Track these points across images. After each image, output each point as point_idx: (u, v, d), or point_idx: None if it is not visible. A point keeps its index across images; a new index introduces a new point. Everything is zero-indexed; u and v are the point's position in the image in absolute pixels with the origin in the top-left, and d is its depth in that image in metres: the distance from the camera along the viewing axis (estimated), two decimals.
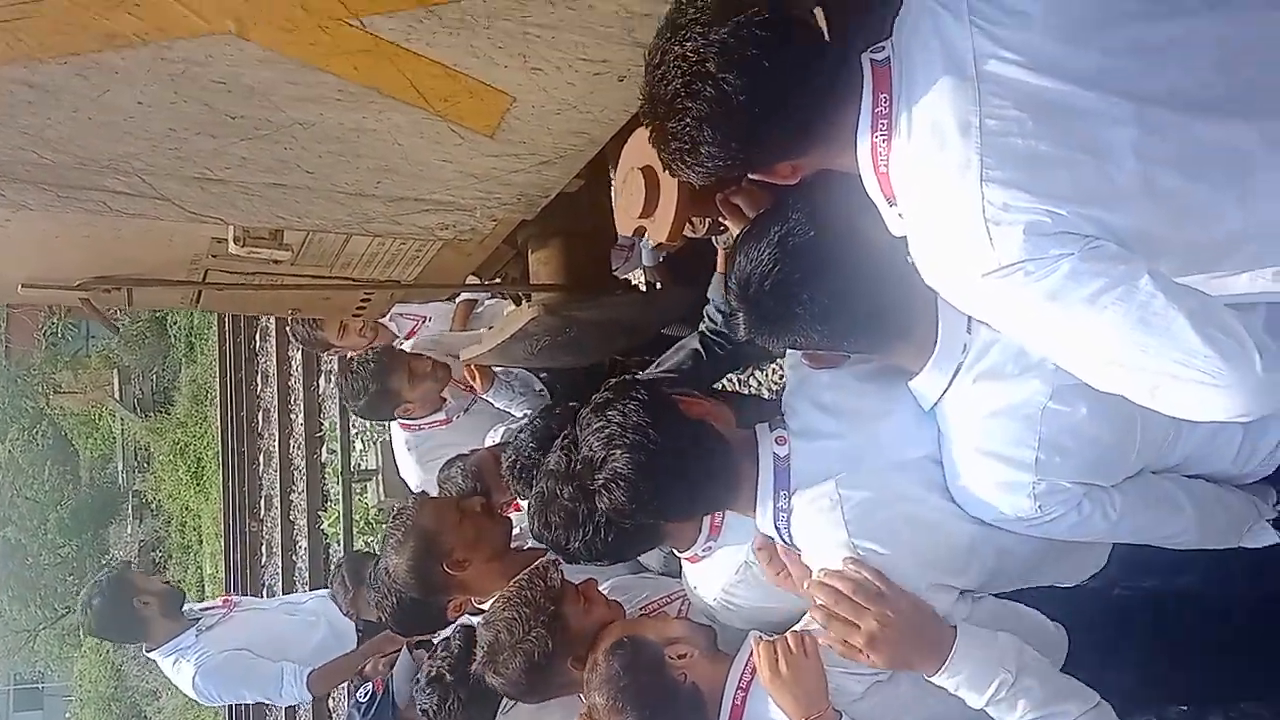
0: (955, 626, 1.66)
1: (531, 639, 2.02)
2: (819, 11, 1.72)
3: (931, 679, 1.67)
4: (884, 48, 1.43)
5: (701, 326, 2.37)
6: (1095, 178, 1.30)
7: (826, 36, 1.74)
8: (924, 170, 1.37)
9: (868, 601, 1.61)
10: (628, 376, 1.96)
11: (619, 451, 1.68)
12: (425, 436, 3.76)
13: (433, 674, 2.38)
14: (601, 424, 1.72)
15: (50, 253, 2.37)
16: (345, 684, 4.78)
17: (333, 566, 4.68)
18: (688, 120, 1.40)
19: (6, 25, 1.57)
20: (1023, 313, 1.35)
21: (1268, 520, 1.74)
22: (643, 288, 3.65)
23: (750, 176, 1.55)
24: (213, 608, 4.56)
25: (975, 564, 1.68)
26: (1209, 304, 1.32)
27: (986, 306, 1.40)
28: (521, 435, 2.53)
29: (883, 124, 1.39)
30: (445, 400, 3.74)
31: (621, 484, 1.68)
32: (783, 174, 1.50)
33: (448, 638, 2.45)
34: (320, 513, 8.49)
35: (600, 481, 1.71)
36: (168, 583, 4.73)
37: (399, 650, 3.28)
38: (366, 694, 2.99)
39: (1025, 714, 1.64)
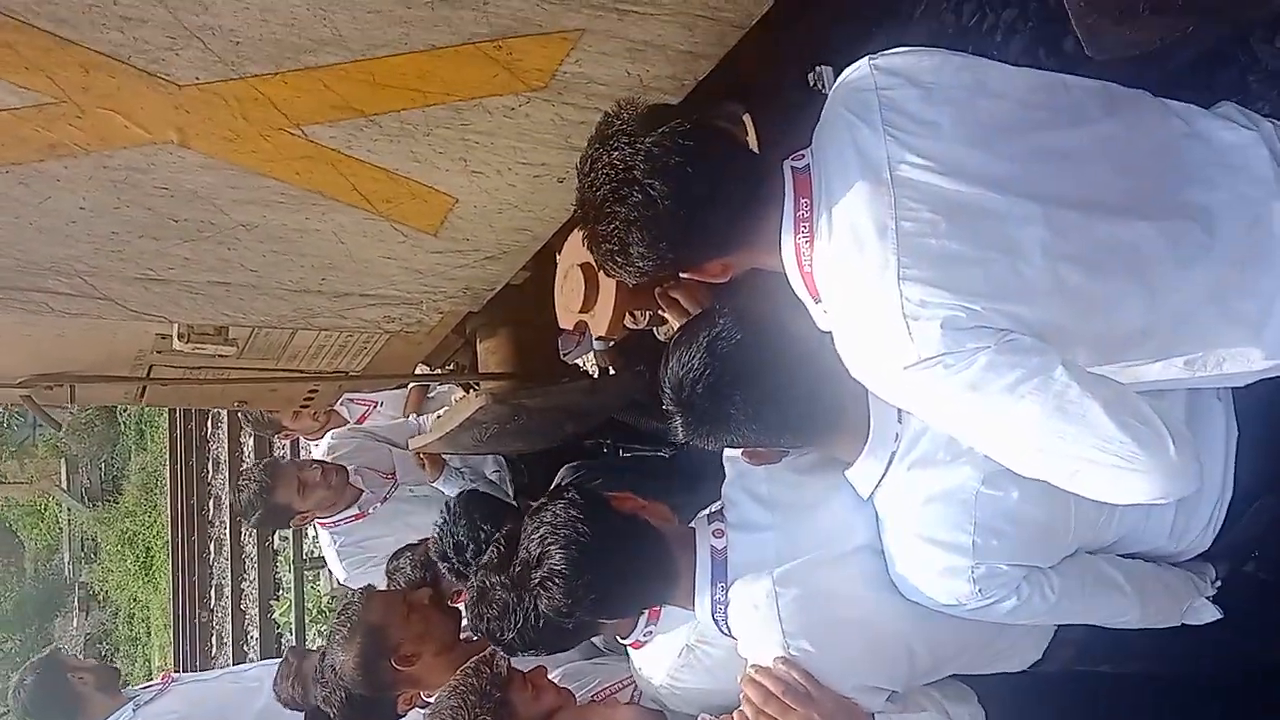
0: (874, 715, 1.68)
1: None
2: (748, 118, 1.79)
3: None
4: (804, 155, 1.50)
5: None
6: (1007, 274, 1.36)
7: (755, 141, 1.82)
8: (845, 270, 1.42)
9: (795, 703, 1.64)
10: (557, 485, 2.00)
11: (554, 549, 1.71)
12: (343, 532, 3.67)
13: None
14: (536, 525, 1.75)
15: None
16: None
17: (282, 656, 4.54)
18: (616, 224, 1.46)
19: None
20: (944, 403, 1.40)
21: (1206, 597, 1.78)
22: (593, 373, 3.69)
23: (682, 276, 1.60)
24: (151, 685, 4.39)
25: (905, 662, 1.70)
26: (1123, 392, 1.37)
27: (910, 398, 1.44)
28: (444, 526, 2.54)
29: (804, 227, 1.45)
30: (360, 493, 3.65)
31: (558, 580, 1.70)
32: (713, 272, 1.55)
33: None
34: (272, 602, 8.31)
35: (537, 580, 1.73)
36: (102, 659, 4.58)
37: None
38: None
39: None
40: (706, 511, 1.85)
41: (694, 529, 1.82)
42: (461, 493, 2.61)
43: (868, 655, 1.68)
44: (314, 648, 5.54)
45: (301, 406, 3.38)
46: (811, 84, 2.18)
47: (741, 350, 1.55)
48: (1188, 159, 1.48)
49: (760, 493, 1.76)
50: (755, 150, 1.80)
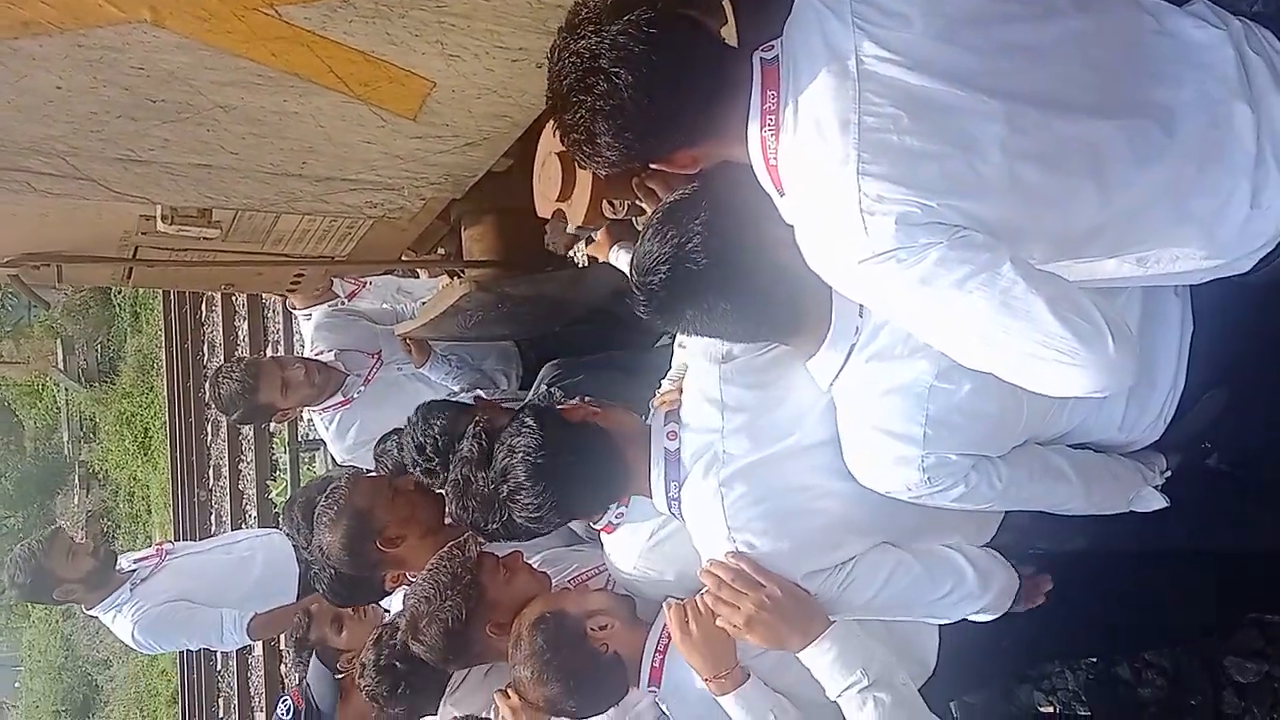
0: (834, 620, 1.77)
1: (447, 607, 2.09)
2: (728, 2, 1.77)
3: (800, 655, 1.78)
4: (773, 47, 1.49)
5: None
6: (963, 171, 1.38)
7: (734, 25, 1.80)
8: (807, 163, 1.44)
9: (746, 588, 1.75)
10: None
11: (514, 466, 1.85)
12: (330, 417, 3.68)
13: (381, 662, 2.44)
14: (500, 445, 1.90)
15: None
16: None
17: (283, 509, 4.59)
18: (581, 113, 1.47)
19: None
20: (896, 297, 1.43)
21: (1155, 486, 1.85)
22: (581, 262, 3.70)
23: (652, 166, 1.61)
24: (146, 558, 4.47)
25: (852, 547, 1.78)
26: (1067, 289, 1.41)
27: (864, 291, 1.48)
28: (407, 433, 2.60)
29: (770, 119, 1.46)
30: (344, 378, 3.65)
31: (521, 493, 1.85)
32: (682, 163, 1.56)
33: (393, 625, 2.48)
34: (269, 482, 8.46)
35: (505, 493, 1.87)
36: (103, 535, 4.69)
37: None
38: (288, 709, 2.96)
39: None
40: (665, 410, 1.91)
41: (651, 426, 1.88)
42: (419, 405, 2.64)
43: (814, 541, 1.76)
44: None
45: (289, 290, 3.40)
46: None
47: (703, 271, 1.57)
48: (1155, 56, 1.48)
49: (713, 394, 1.81)
50: (734, 35, 1.78)
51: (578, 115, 1.47)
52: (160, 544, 4.81)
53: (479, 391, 3.37)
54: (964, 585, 1.84)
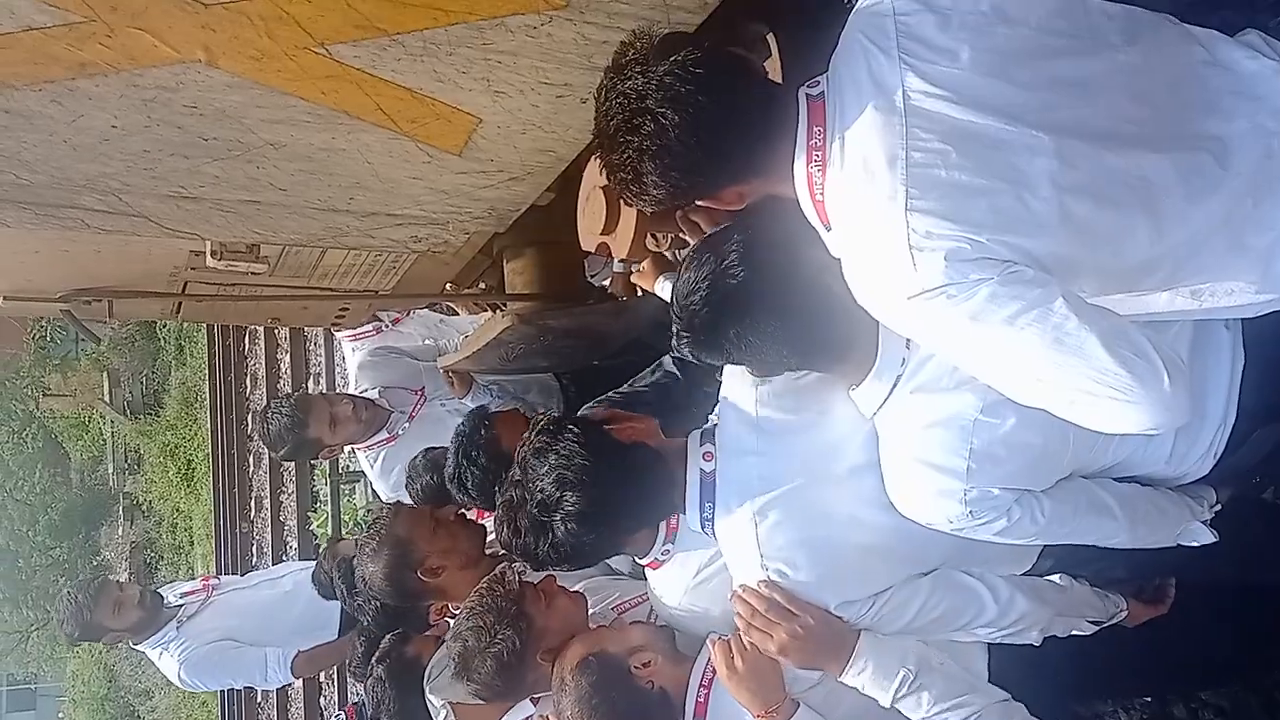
0: (859, 632, 1.76)
1: (499, 640, 2.07)
2: (771, 38, 1.78)
3: (841, 679, 1.77)
4: (819, 82, 1.49)
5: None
6: (1013, 206, 1.36)
7: (779, 61, 1.81)
8: (854, 199, 1.43)
9: (779, 618, 1.73)
10: (554, 416, 2.04)
11: (569, 492, 1.80)
12: (376, 454, 3.71)
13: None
14: (546, 468, 1.83)
15: (30, 267, 2.42)
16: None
17: (317, 557, 4.62)
18: (629, 153, 1.47)
19: None
20: (946, 332, 1.42)
21: (1203, 520, 1.81)
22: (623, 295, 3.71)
23: (699, 203, 1.61)
24: (192, 592, 4.50)
25: (888, 576, 1.76)
26: (1120, 325, 1.39)
27: (913, 326, 1.46)
28: (455, 445, 2.56)
29: (817, 155, 1.46)
30: (389, 415, 3.67)
31: (575, 520, 1.80)
32: (729, 200, 1.56)
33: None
34: (310, 513, 8.52)
35: (558, 519, 1.82)
36: (146, 566, 4.72)
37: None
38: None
39: (931, 708, 1.75)
40: (700, 429, 1.90)
41: (686, 442, 1.87)
42: (463, 422, 2.63)
43: (848, 572, 1.75)
44: (344, 536, 5.64)
45: (334, 324, 3.43)
46: (846, 1, 2.15)
47: (742, 290, 1.57)
48: (1207, 88, 1.46)
49: (750, 416, 1.80)
50: (778, 70, 1.79)
51: (624, 155, 1.47)
52: (206, 578, 4.85)
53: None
54: (983, 615, 1.82)
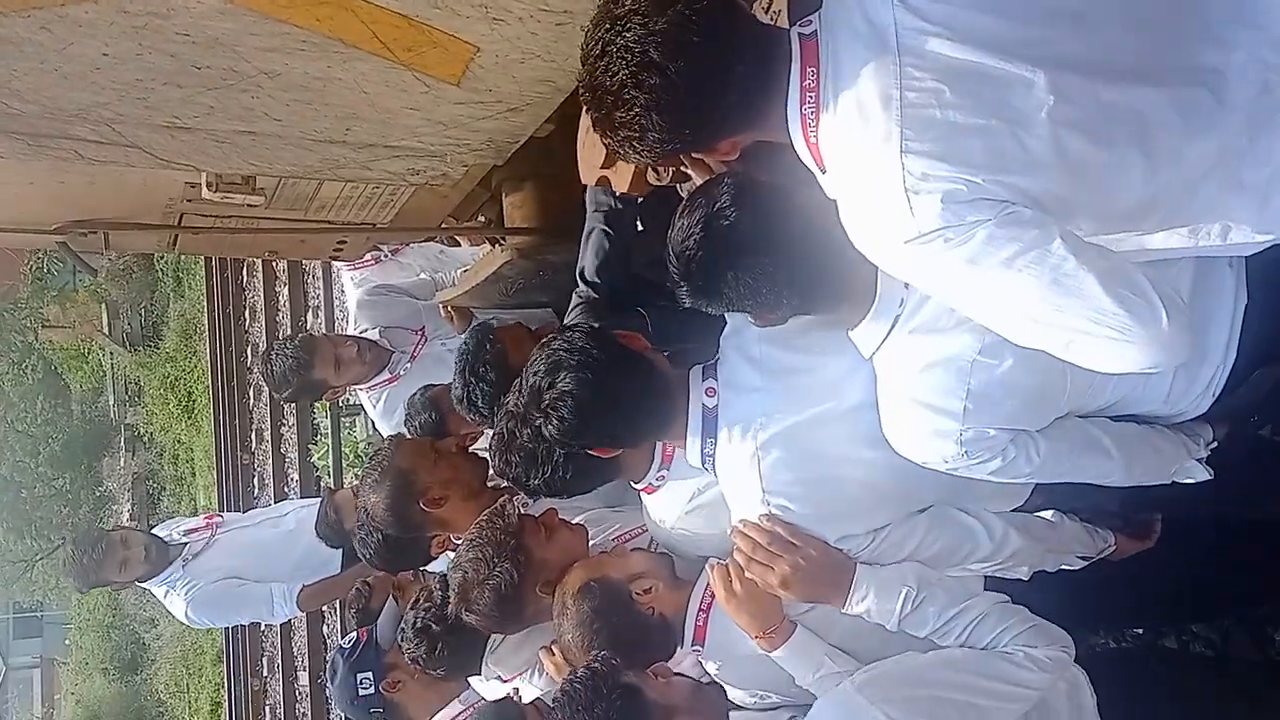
0: (858, 563, 1.79)
1: (497, 573, 2.10)
2: None
3: (844, 611, 1.80)
4: (811, 21, 1.46)
5: (575, 298, 2.46)
6: (1009, 145, 1.34)
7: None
8: (849, 142, 1.41)
9: (780, 550, 1.76)
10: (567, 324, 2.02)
11: (564, 373, 1.76)
12: (378, 395, 3.71)
13: (418, 624, 2.46)
14: (548, 354, 1.80)
15: (25, 198, 2.40)
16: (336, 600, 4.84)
17: (321, 497, 4.67)
18: (636, 109, 1.43)
19: None
20: (944, 276, 1.41)
21: (1199, 458, 1.82)
22: None
23: (694, 156, 1.58)
24: (196, 530, 4.53)
25: (885, 512, 1.78)
26: (1119, 264, 1.38)
27: (910, 270, 1.46)
28: (460, 363, 2.52)
29: (810, 96, 1.43)
30: (390, 354, 3.67)
31: (568, 401, 1.75)
32: (724, 151, 1.54)
33: (428, 588, 2.51)
34: (310, 445, 8.58)
35: (547, 402, 1.77)
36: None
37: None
38: (350, 640, 3.06)
39: (936, 620, 1.79)
40: (702, 364, 1.90)
41: (689, 375, 1.87)
42: (467, 338, 2.58)
43: (848, 508, 1.77)
44: (347, 485, 5.70)
45: (332, 257, 3.41)
46: None
47: (736, 230, 1.56)
48: (1208, 14, 1.43)
49: (753, 353, 1.80)
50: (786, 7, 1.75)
51: (632, 112, 1.43)
52: (210, 516, 4.87)
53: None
54: (978, 552, 1.85)
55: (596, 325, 1.88)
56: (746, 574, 1.80)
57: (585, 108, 1.52)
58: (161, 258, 13.02)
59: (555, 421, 1.77)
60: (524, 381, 1.83)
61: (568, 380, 1.75)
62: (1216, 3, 1.45)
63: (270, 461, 9.11)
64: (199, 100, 2.00)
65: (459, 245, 4.00)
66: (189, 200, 2.51)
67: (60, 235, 2.60)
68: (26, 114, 1.98)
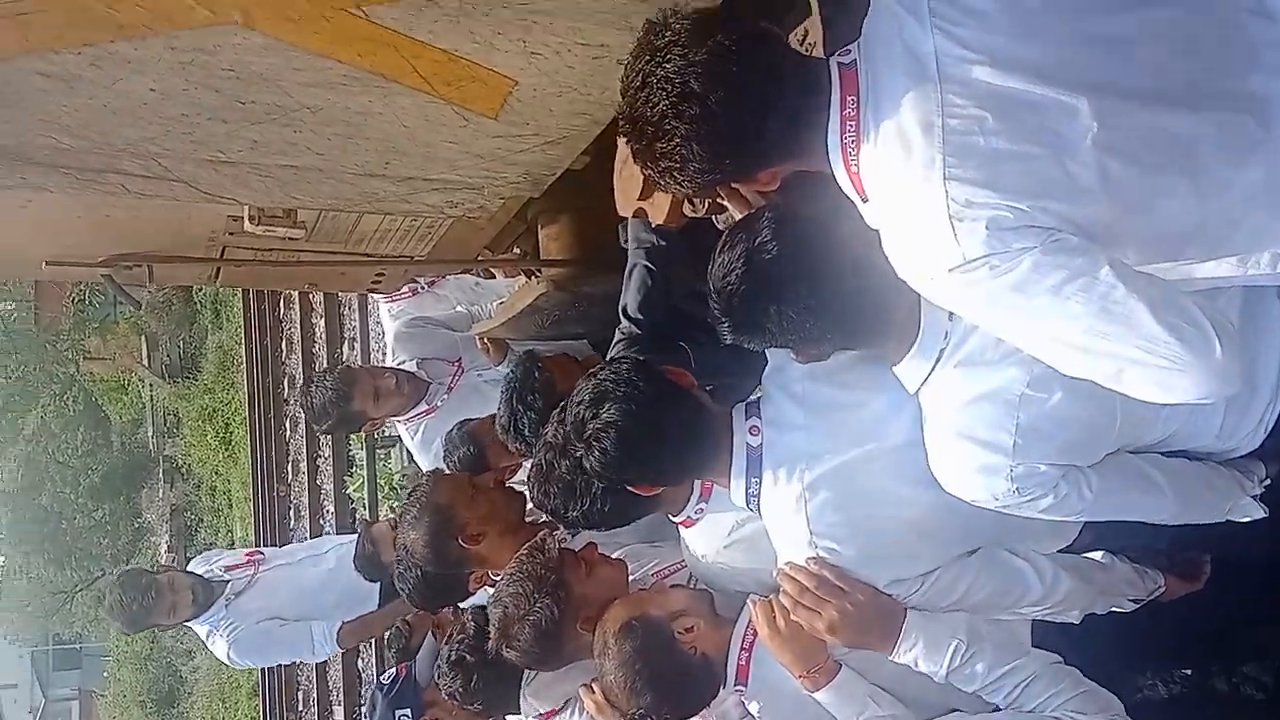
0: (907, 609, 1.75)
1: (538, 609, 2.08)
2: (814, 2, 1.74)
3: (891, 658, 1.76)
4: (850, 50, 1.46)
5: (617, 334, 2.46)
6: (1054, 171, 1.33)
7: (820, 17, 1.77)
8: (891, 170, 1.40)
9: (828, 595, 1.72)
10: (615, 356, 2.01)
11: (610, 405, 1.74)
12: (416, 426, 3.74)
13: (453, 658, 2.44)
14: (593, 385, 1.78)
15: (72, 233, 2.44)
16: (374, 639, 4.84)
17: (358, 531, 4.69)
18: (676, 140, 1.44)
19: (20, 19, 1.62)
20: (990, 304, 1.39)
21: (1254, 495, 1.77)
22: None
23: (731, 188, 1.58)
24: (238, 566, 4.55)
25: (934, 556, 1.74)
26: (1169, 292, 1.36)
27: (956, 299, 1.44)
28: (507, 392, 2.55)
29: (850, 125, 1.43)
30: (427, 385, 3.70)
31: (611, 433, 1.73)
32: (764, 181, 1.54)
33: (463, 621, 2.50)
34: (346, 477, 8.62)
35: (590, 433, 1.75)
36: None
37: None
38: (389, 676, 3.07)
39: (985, 677, 1.75)
40: (745, 401, 1.88)
41: (732, 414, 1.85)
42: (514, 366, 2.59)
43: (897, 550, 1.73)
44: (384, 519, 5.71)
45: (370, 289, 3.44)
46: None
47: (778, 263, 1.55)
48: (1252, 40, 1.41)
49: (796, 391, 1.78)
50: (819, 28, 1.75)
51: (672, 142, 1.44)
52: (251, 552, 4.88)
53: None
54: (1029, 595, 1.81)
55: (643, 358, 1.86)
56: (792, 617, 1.77)
57: (625, 139, 1.53)
58: (200, 290, 13.20)
59: (597, 453, 1.75)
60: (567, 412, 1.82)
61: (612, 411, 1.73)
62: (1262, 28, 1.42)
63: (306, 493, 9.16)
64: (243, 134, 2.03)
65: (494, 278, 4.03)
66: (231, 233, 2.55)
67: (105, 268, 2.64)
68: (75, 149, 2.01)
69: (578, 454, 1.78)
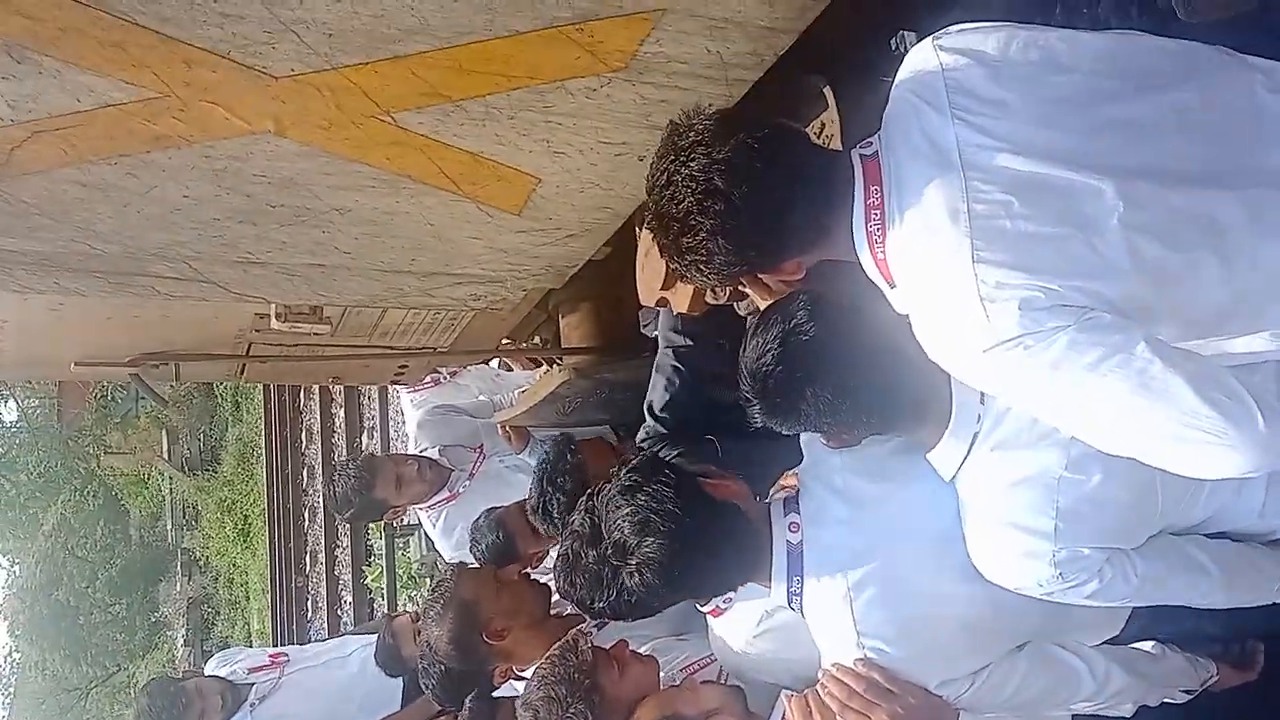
0: (959, 712, 1.69)
1: (571, 715, 2.02)
2: (828, 90, 1.79)
3: None
4: (872, 143, 1.49)
5: (642, 433, 2.48)
6: (1083, 251, 1.34)
7: (836, 113, 1.81)
8: (919, 255, 1.42)
9: (878, 698, 1.65)
10: (651, 455, 1.99)
11: (651, 539, 1.70)
12: (437, 514, 3.72)
13: None
14: (632, 509, 1.73)
15: (101, 333, 2.48)
16: None
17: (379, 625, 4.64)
18: (702, 235, 1.46)
19: (60, 133, 1.68)
20: (1027, 383, 1.39)
21: None
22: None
23: (760, 278, 1.60)
24: (262, 668, 4.53)
25: (985, 651, 1.70)
26: (1207, 366, 1.35)
27: (991, 380, 1.44)
28: (539, 473, 2.55)
29: (876, 214, 1.45)
30: (449, 473, 3.69)
31: (654, 568, 1.71)
32: (789, 271, 1.56)
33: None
34: (364, 567, 8.56)
35: (633, 565, 1.72)
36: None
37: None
38: None
39: None
40: (783, 497, 1.85)
41: (770, 510, 1.82)
42: (548, 448, 2.60)
43: (947, 648, 1.68)
44: (402, 611, 5.65)
45: (393, 381, 3.47)
46: (894, 50, 2.16)
47: (815, 345, 1.54)
48: (1270, 120, 1.43)
49: (835, 483, 1.75)
50: (837, 122, 1.79)
51: (699, 237, 1.46)
52: (275, 655, 4.83)
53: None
54: (1081, 691, 1.77)
55: (685, 472, 1.82)
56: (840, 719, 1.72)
57: (652, 235, 1.56)
58: (221, 384, 13.31)
59: (639, 582, 1.73)
60: (603, 521, 1.77)
61: (654, 546, 1.70)
62: (1278, 105, 1.45)
63: (324, 584, 9.10)
64: (272, 236, 2.08)
65: (511, 370, 4.06)
66: (257, 330, 2.58)
67: (133, 368, 2.68)
68: (108, 254, 2.06)
69: (620, 571, 1.75)
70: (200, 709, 4.16)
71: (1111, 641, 1.83)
